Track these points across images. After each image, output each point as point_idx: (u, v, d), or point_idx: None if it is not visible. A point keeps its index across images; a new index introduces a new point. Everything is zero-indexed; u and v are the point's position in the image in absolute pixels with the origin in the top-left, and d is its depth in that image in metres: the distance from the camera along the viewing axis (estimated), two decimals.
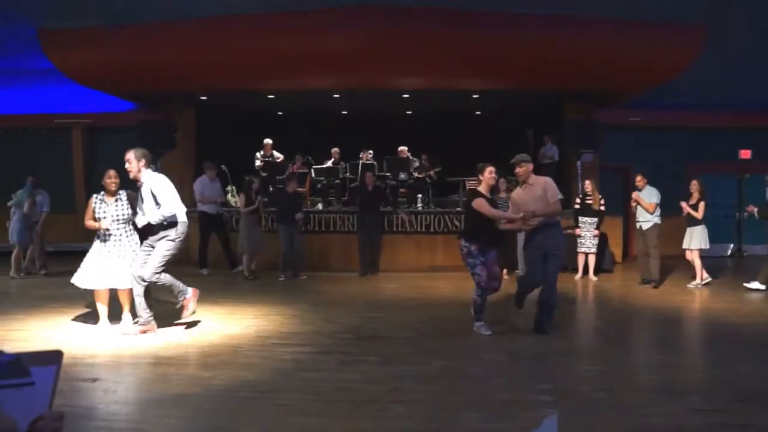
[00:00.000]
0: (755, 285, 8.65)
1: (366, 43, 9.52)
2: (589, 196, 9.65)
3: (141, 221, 5.72)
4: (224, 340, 5.70)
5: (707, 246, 9.03)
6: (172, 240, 5.67)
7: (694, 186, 9.17)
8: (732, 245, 13.17)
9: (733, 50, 10.13)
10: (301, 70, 10.28)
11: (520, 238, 9.50)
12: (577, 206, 9.79)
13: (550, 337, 5.81)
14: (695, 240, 8.98)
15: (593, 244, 9.65)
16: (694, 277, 9.06)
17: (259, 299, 7.86)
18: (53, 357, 1.17)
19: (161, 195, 5.61)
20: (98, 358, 5.03)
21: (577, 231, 9.70)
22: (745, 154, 12.86)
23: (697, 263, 9.03)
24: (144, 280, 5.66)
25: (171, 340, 5.69)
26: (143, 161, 5.69)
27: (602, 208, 9.70)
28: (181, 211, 5.74)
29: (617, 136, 12.00)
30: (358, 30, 9.44)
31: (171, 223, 5.67)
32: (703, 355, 5.44)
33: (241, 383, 4.44)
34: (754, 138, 12.72)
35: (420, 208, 11.19)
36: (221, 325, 6.36)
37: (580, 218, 9.69)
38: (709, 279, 9.13)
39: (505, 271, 9.81)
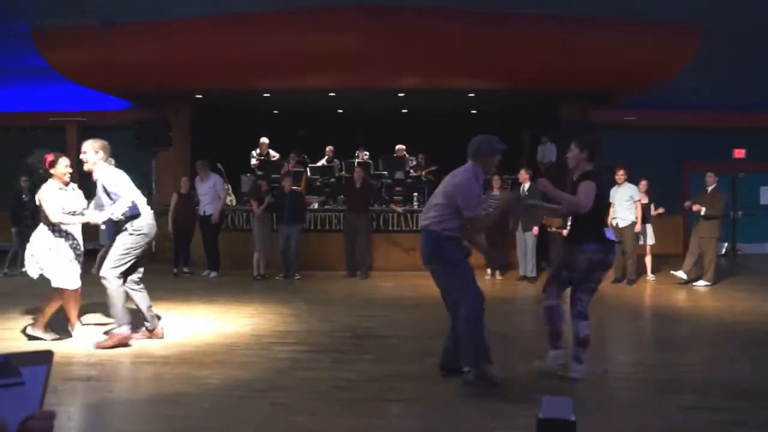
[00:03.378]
0: (680, 273, 9.12)
1: (362, 42, 9.53)
2: None
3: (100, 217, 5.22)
4: (219, 339, 5.69)
5: (654, 241, 9.56)
6: (130, 234, 5.19)
7: (644, 186, 9.47)
8: (726, 244, 13.21)
9: (729, 51, 10.16)
10: (297, 69, 10.27)
11: (519, 238, 9.52)
12: None
13: (545, 337, 5.80)
14: (650, 236, 9.44)
15: None
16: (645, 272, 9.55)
17: (255, 298, 7.86)
18: (43, 357, 1.16)
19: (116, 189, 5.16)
20: (93, 357, 5.01)
21: (564, 232, 9.45)
22: (740, 153, 12.93)
23: (649, 259, 9.53)
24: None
25: (166, 339, 5.66)
26: (101, 153, 5.22)
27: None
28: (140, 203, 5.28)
29: (613, 136, 12.02)
30: (355, 29, 9.45)
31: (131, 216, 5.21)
32: (697, 353, 5.46)
33: (237, 382, 4.43)
34: (749, 137, 12.79)
35: (416, 207, 11.20)
36: (216, 323, 6.35)
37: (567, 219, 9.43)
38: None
39: (497, 272, 9.81)
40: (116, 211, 5.10)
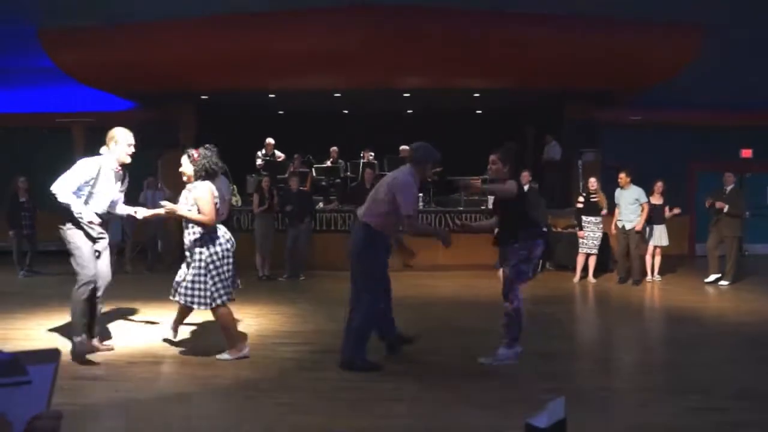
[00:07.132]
0: (711, 278, 9.13)
1: (367, 42, 9.52)
2: (594, 194, 9.23)
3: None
4: (224, 339, 5.69)
5: (667, 243, 9.47)
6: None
7: (659, 187, 9.42)
8: None
9: (734, 49, 10.11)
10: (302, 69, 10.28)
11: None
12: (580, 205, 9.25)
13: (552, 337, 5.80)
14: (663, 237, 9.37)
15: (595, 245, 9.20)
16: (651, 273, 9.46)
17: (260, 298, 7.86)
18: (51, 355, 1.16)
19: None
20: (98, 357, 5.03)
21: (581, 233, 9.19)
22: (746, 153, 12.86)
23: (657, 260, 9.48)
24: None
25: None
26: None
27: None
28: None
29: (618, 135, 11.98)
30: (359, 29, 9.45)
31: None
32: (703, 353, 5.43)
33: (242, 382, 4.44)
34: (755, 137, 12.72)
35: (421, 207, 11.19)
36: None
37: (583, 218, 9.15)
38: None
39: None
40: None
